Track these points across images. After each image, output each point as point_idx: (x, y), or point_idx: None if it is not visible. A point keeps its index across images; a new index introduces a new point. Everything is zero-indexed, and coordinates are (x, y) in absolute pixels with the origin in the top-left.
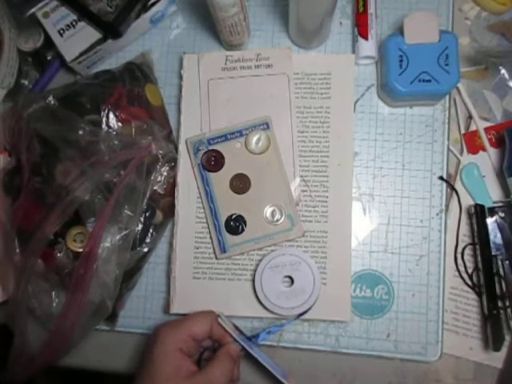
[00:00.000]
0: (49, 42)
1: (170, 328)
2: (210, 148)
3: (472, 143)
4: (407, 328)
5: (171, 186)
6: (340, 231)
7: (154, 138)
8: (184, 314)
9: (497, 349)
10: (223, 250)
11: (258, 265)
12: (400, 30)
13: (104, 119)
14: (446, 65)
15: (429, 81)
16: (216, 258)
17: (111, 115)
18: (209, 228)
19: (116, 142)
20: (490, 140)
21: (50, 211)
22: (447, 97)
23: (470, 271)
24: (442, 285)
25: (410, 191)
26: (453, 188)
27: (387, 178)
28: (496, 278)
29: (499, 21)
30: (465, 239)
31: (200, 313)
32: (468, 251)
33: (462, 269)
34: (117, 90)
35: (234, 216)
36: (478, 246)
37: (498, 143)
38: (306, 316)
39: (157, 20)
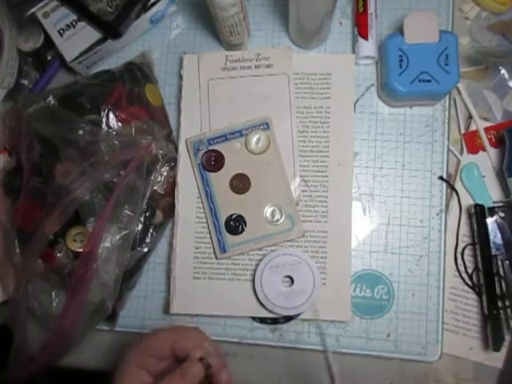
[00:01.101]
0: (49, 42)
1: (132, 346)
2: (210, 148)
3: (472, 143)
4: (407, 328)
5: (171, 185)
6: (340, 231)
7: (154, 137)
8: (184, 314)
9: (497, 349)
10: (223, 250)
11: (257, 265)
12: (400, 30)
13: (104, 119)
14: (446, 65)
15: (429, 81)
16: (216, 258)
17: (111, 115)
18: (209, 228)
19: (116, 142)
20: (490, 140)
21: (50, 211)
22: (447, 97)
23: (470, 271)
24: (442, 285)
25: (410, 191)
26: (453, 188)
27: (387, 177)
28: (496, 278)
29: (499, 21)
30: (465, 239)
31: (163, 330)
32: (468, 251)
33: (461, 269)
34: (117, 90)
35: (234, 216)
36: (477, 246)
37: (498, 143)
38: (305, 316)
39: (157, 20)
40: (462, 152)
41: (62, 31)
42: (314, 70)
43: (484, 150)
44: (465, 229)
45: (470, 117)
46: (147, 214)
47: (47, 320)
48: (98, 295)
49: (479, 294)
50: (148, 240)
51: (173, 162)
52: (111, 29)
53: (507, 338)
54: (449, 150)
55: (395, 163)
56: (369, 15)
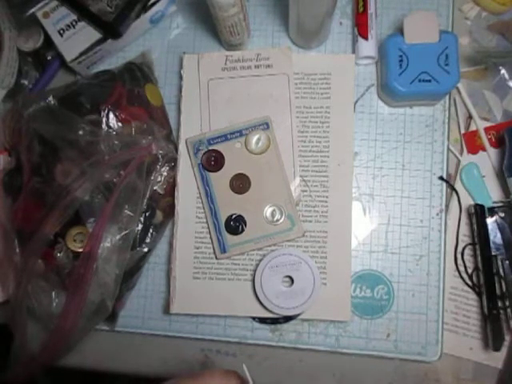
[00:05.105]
0: (49, 42)
1: None
2: (210, 148)
3: (472, 143)
4: (407, 328)
5: (171, 186)
6: (340, 231)
7: (154, 137)
8: (184, 314)
9: (497, 349)
10: (223, 250)
11: (257, 265)
12: (400, 30)
13: (104, 119)
14: (446, 65)
15: (429, 81)
16: (216, 258)
17: (111, 115)
18: (209, 228)
19: (116, 142)
20: (490, 140)
21: (50, 211)
22: (447, 97)
23: (470, 271)
24: (442, 285)
25: (410, 191)
26: (453, 188)
27: (387, 177)
28: (496, 278)
29: (499, 21)
30: (465, 239)
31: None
32: (468, 251)
33: (461, 269)
34: (117, 90)
35: (234, 216)
36: (477, 246)
37: (498, 143)
38: (305, 316)
39: (157, 20)
40: (462, 152)
41: (62, 31)
42: (313, 70)
43: (484, 149)
44: (465, 229)
45: (470, 117)
46: (147, 214)
47: (47, 320)
48: (98, 295)
49: (479, 294)
50: (148, 240)
51: (173, 162)
52: (111, 29)
53: (507, 337)
54: (449, 149)
55: (395, 163)
56: (369, 15)
